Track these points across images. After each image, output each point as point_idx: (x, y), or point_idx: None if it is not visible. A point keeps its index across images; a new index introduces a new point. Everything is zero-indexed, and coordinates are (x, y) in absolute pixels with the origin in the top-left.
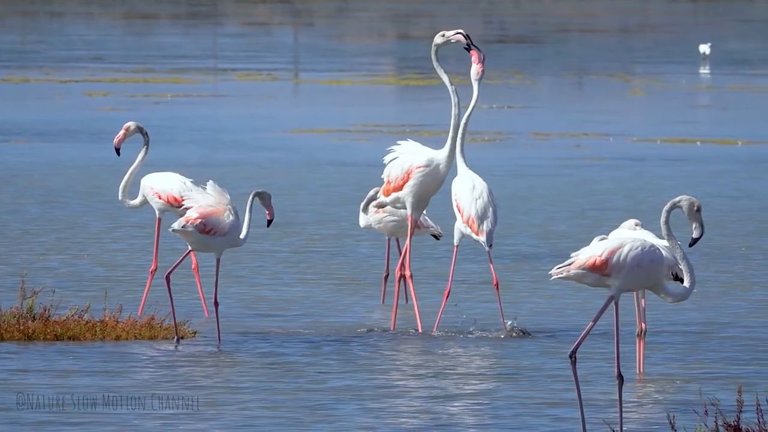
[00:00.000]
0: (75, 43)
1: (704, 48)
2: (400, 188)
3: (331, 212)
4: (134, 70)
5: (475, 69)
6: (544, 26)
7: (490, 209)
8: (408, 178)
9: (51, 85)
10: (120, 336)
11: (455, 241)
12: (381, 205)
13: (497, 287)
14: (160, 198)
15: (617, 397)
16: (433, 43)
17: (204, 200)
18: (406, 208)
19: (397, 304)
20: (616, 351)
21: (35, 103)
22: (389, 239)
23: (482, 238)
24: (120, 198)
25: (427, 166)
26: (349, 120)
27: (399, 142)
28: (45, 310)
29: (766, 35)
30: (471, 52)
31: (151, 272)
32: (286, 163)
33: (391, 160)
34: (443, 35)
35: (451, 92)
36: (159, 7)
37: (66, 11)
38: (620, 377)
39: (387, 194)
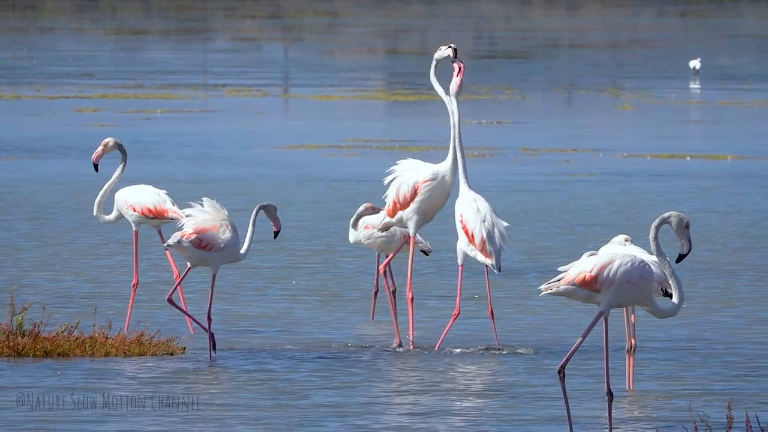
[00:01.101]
0: (65, 59)
1: (694, 63)
2: (407, 205)
3: (320, 228)
4: (124, 86)
5: (454, 82)
6: (533, 41)
7: (497, 231)
8: (415, 194)
9: (41, 102)
10: (109, 352)
11: (459, 261)
12: (387, 227)
13: (492, 315)
14: (134, 210)
15: (607, 414)
16: (434, 58)
17: (200, 216)
18: (409, 228)
19: (396, 320)
20: (605, 367)
21: (25, 120)
22: (379, 255)
23: (490, 261)
24: (95, 213)
25: (433, 180)
26: (338, 135)
27: (398, 161)
28: (35, 327)
29: (755, 50)
30: (454, 64)
31: (133, 286)
32: (276, 179)
33: (392, 180)
34: (441, 49)
35: (447, 104)
36: (149, 23)
37: (56, 27)
38: (610, 393)
39: (392, 214)
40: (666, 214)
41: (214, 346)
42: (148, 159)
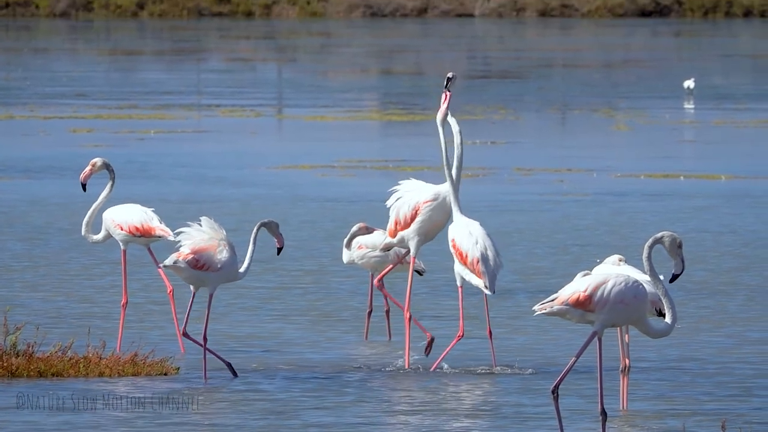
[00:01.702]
0: (59, 80)
1: (688, 83)
2: (408, 226)
3: (313, 248)
4: (118, 107)
5: (442, 110)
6: (527, 61)
7: (490, 253)
8: (416, 214)
9: (35, 122)
10: (103, 372)
11: (458, 283)
12: (388, 247)
13: (490, 335)
14: (122, 229)
15: None
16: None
17: (197, 236)
18: (410, 248)
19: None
20: (599, 387)
21: (19, 140)
22: (372, 275)
23: (483, 282)
24: (83, 233)
25: (435, 200)
26: (332, 156)
27: (400, 181)
28: (29, 347)
29: (749, 70)
30: (445, 92)
31: (123, 306)
32: (269, 199)
33: (394, 201)
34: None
35: (452, 124)
36: (143, 44)
37: (50, 47)
38: (603, 413)
39: (393, 235)
40: (659, 234)
41: (234, 373)
42: (142, 179)
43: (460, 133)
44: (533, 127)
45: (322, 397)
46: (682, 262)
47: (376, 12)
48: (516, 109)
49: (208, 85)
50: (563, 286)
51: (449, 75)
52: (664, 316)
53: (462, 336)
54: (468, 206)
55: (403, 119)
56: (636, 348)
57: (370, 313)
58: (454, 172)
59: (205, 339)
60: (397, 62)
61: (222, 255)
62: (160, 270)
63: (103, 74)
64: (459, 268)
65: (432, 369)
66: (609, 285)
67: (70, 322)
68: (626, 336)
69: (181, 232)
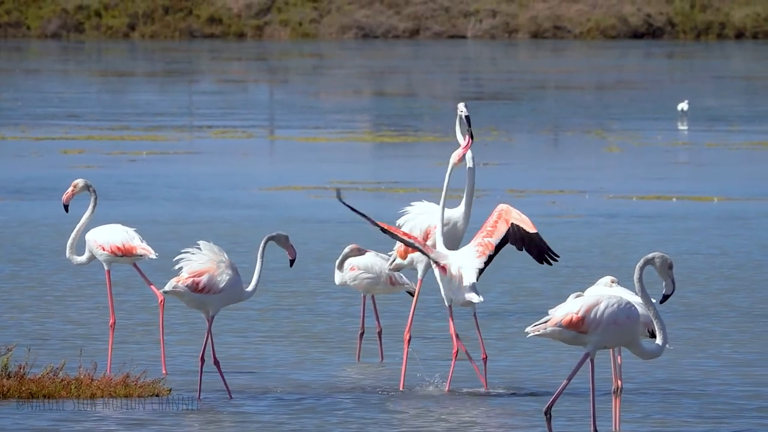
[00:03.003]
0: (51, 101)
1: (682, 105)
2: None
3: (304, 269)
4: (110, 128)
5: (460, 154)
6: (519, 83)
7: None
8: (427, 238)
9: (26, 143)
10: (95, 394)
11: (446, 302)
12: (397, 269)
13: (485, 361)
14: (104, 250)
15: None
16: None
17: (196, 259)
18: (418, 270)
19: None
20: (592, 408)
21: (11, 161)
22: (364, 297)
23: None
24: (67, 255)
25: (445, 225)
26: (324, 177)
27: (413, 203)
28: (20, 368)
29: (742, 92)
30: (466, 136)
31: (111, 326)
32: (260, 221)
33: (405, 222)
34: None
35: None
36: (135, 65)
37: (42, 68)
38: None
39: (404, 256)
40: (650, 255)
41: (229, 393)
42: (133, 200)
43: (473, 168)
44: (525, 149)
45: (313, 419)
46: (673, 282)
47: (368, 33)
48: (508, 130)
49: (200, 107)
50: (554, 307)
51: (466, 114)
52: (655, 337)
53: (457, 353)
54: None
55: (395, 141)
56: (626, 369)
57: (362, 334)
58: (464, 200)
59: (202, 359)
60: (389, 84)
61: (223, 276)
62: (151, 287)
63: (94, 95)
64: (441, 285)
65: (446, 390)
66: (602, 306)
67: (59, 343)
68: (618, 357)
69: (180, 258)
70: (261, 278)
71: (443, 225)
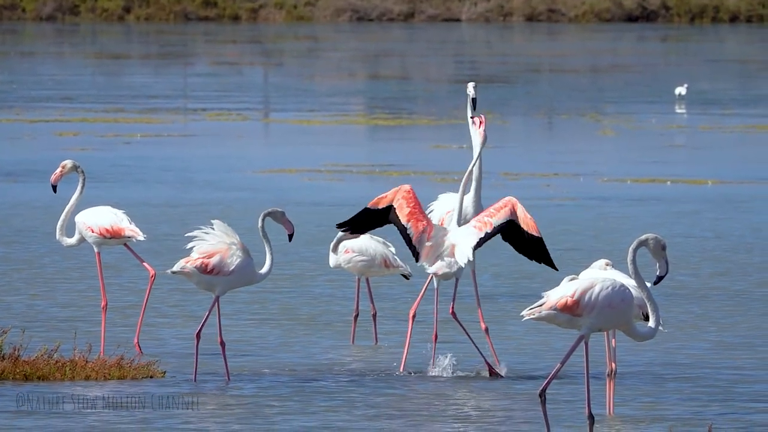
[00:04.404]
0: (45, 83)
1: (680, 89)
2: None
3: (298, 252)
4: (105, 110)
5: (481, 132)
6: (514, 66)
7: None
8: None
9: (21, 125)
10: (89, 376)
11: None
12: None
13: (486, 332)
14: (92, 232)
15: None
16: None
17: (209, 239)
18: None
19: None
20: (586, 391)
21: (5, 144)
22: (359, 279)
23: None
24: (57, 237)
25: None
26: (319, 160)
27: (439, 196)
28: (14, 350)
29: (736, 75)
30: (480, 116)
31: (103, 308)
32: (254, 203)
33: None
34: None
35: (472, 137)
36: (129, 47)
37: (36, 51)
38: (591, 418)
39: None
40: (643, 237)
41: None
42: (128, 183)
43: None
44: (520, 132)
45: (306, 402)
46: (666, 264)
47: (363, 16)
48: (503, 113)
49: (195, 89)
50: (547, 291)
51: (473, 96)
52: (649, 320)
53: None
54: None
55: (389, 124)
56: (620, 352)
57: (356, 317)
58: (473, 184)
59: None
60: (383, 67)
61: (233, 258)
62: (144, 264)
63: (89, 78)
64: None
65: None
66: (596, 289)
67: (53, 325)
68: (613, 340)
69: (192, 236)
70: (274, 259)
71: (451, 211)
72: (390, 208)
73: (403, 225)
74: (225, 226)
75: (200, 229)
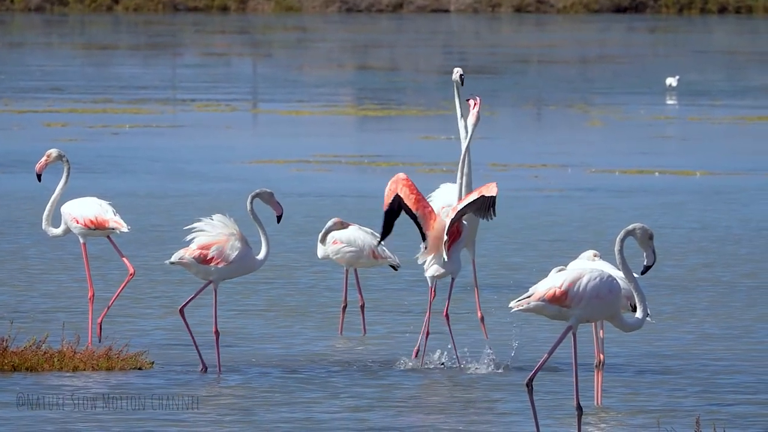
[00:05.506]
0: (34, 74)
1: (671, 80)
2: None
3: (286, 243)
4: (93, 101)
5: (474, 113)
6: (503, 57)
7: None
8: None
9: (9, 116)
10: (78, 366)
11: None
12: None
13: (482, 320)
14: (77, 223)
15: (576, 429)
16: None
17: (209, 230)
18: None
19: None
20: (575, 382)
21: None
22: (347, 270)
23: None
24: (43, 227)
25: (449, 205)
26: (308, 150)
27: (441, 185)
28: (2, 341)
29: (725, 66)
30: (474, 96)
31: (90, 299)
32: (243, 194)
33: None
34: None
35: (461, 127)
36: (118, 38)
37: (25, 41)
38: (579, 408)
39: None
40: (630, 227)
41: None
42: (116, 173)
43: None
44: (508, 123)
45: (291, 393)
46: (654, 253)
47: (352, 7)
48: (491, 104)
49: (183, 80)
50: (535, 282)
51: (456, 78)
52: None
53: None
54: (444, 202)
55: (378, 114)
56: (607, 343)
57: (344, 308)
58: (464, 179)
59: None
60: (372, 57)
61: (232, 249)
62: (124, 259)
63: (78, 68)
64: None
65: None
66: (584, 280)
67: (40, 316)
68: (601, 331)
69: (192, 228)
70: (270, 244)
71: (448, 205)
72: (399, 200)
73: (414, 213)
74: (225, 218)
75: (200, 220)
